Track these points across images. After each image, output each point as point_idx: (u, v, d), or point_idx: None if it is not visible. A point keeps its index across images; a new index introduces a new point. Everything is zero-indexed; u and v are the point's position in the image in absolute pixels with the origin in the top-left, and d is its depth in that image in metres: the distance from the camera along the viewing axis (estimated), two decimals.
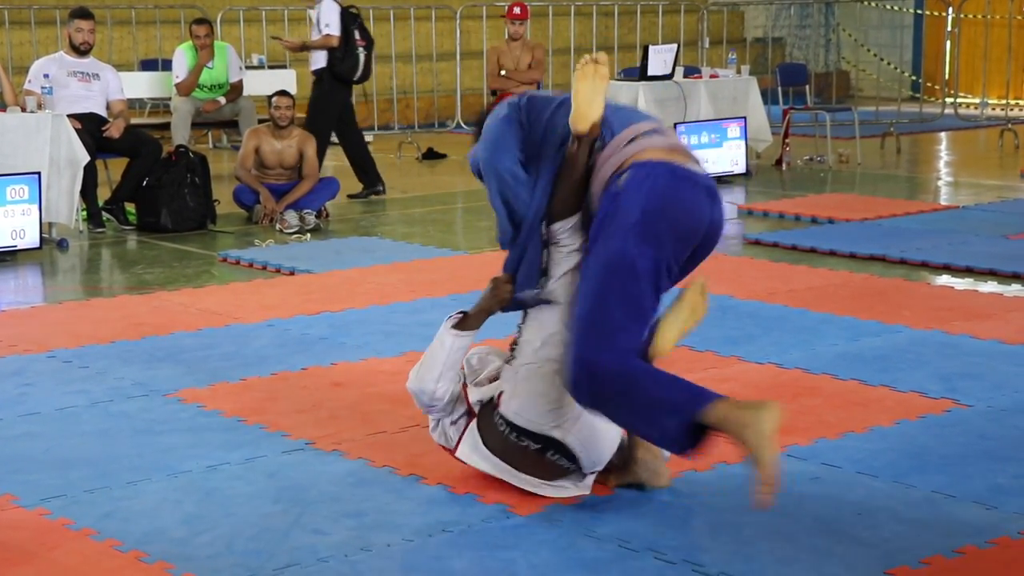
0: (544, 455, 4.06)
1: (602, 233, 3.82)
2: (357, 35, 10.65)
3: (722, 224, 4.03)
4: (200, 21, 11.43)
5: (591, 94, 3.92)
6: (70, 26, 9.74)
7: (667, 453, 4.10)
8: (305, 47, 10.71)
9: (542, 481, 4.10)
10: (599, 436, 4.06)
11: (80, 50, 9.64)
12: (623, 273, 3.78)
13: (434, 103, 15.87)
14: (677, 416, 3.71)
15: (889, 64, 19.03)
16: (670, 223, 3.82)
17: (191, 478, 4.38)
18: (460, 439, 4.20)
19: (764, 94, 12.74)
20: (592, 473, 4.12)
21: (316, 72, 10.53)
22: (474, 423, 4.18)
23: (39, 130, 8.71)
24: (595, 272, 3.82)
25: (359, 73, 10.63)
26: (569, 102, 3.99)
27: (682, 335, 4.04)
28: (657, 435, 3.83)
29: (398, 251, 8.43)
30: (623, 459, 4.15)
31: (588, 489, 4.12)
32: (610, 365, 3.74)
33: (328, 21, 10.48)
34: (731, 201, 10.47)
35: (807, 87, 14.14)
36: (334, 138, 10.73)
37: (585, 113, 3.92)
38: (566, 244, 4.02)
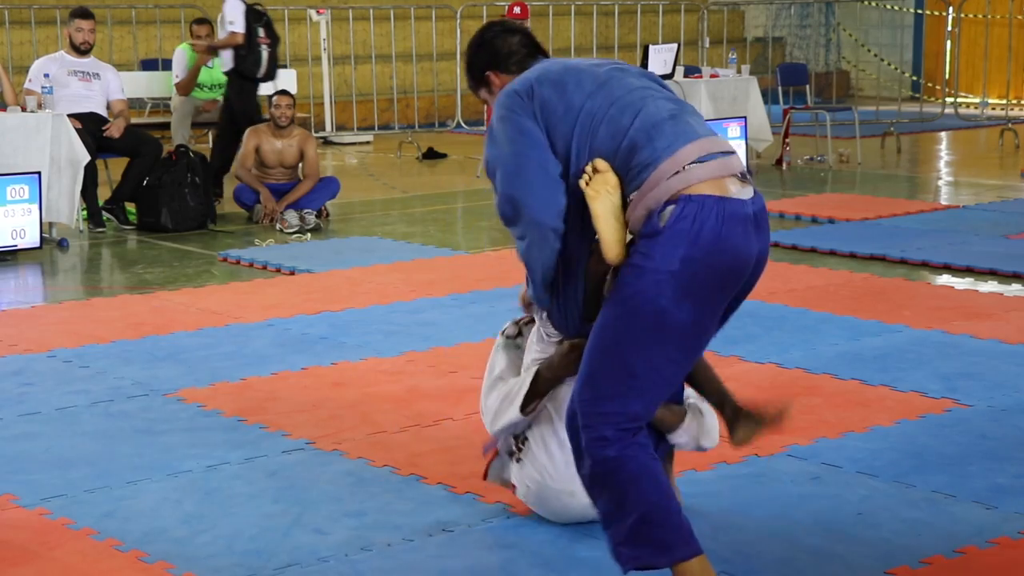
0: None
1: (631, 275, 3.28)
2: (262, 33, 10.64)
3: (765, 256, 3.40)
4: (200, 21, 11.42)
5: (611, 216, 3.33)
6: (70, 26, 9.74)
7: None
8: (212, 48, 10.65)
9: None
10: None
11: (80, 50, 9.64)
12: (651, 328, 3.26)
13: (434, 103, 15.87)
14: (648, 548, 3.30)
15: (889, 64, 19.03)
16: (716, 273, 3.27)
17: (191, 478, 4.38)
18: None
19: (764, 94, 12.74)
20: None
21: (226, 73, 10.48)
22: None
23: (39, 130, 8.71)
24: (621, 322, 3.29)
25: (262, 71, 10.58)
26: (593, 75, 3.50)
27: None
28: (613, 532, 3.34)
29: (398, 251, 8.43)
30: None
31: None
32: (597, 453, 3.29)
33: (232, 19, 10.43)
34: None
35: (807, 87, 14.13)
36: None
37: (613, 241, 3.34)
38: None
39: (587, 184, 3.36)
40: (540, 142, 3.46)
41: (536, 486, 3.90)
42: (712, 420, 3.91)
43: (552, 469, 3.84)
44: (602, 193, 3.35)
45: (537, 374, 3.82)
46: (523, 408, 3.81)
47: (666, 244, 3.24)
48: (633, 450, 3.27)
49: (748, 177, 3.42)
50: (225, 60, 10.44)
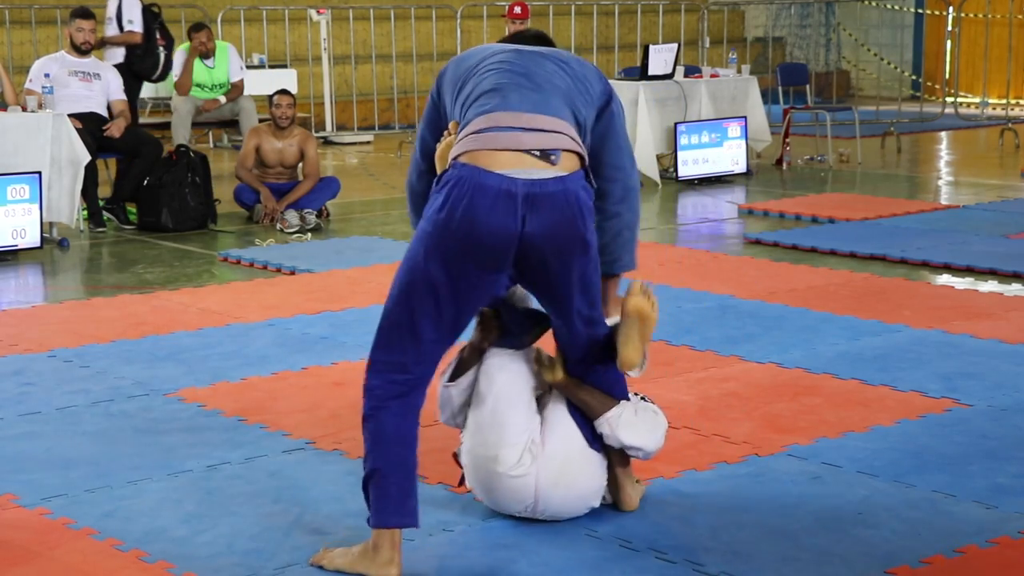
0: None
1: (416, 230, 3.64)
2: (157, 34, 10.66)
3: (547, 236, 3.53)
4: (198, 27, 11.42)
5: (641, 341, 3.77)
6: (71, 26, 9.74)
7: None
8: (105, 43, 10.59)
9: None
10: (572, 503, 3.93)
11: (81, 50, 9.64)
12: (403, 290, 3.60)
13: None
14: (366, 493, 3.64)
15: (889, 63, 19.04)
16: (458, 239, 3.49)
17: (192, 477, 4.38)
18: None
19: (764, 94, 12.74)
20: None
21: (117, 66, 10.42)
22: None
23: (40, 130, 8.71)
24: (397, 273, 3.64)
25: (158, 72, 10.60)
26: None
27: (644, 342, 3.81)
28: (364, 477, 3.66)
29: (399, 250, 8.38)
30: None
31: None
32: (367, 400, 3.65)
33: (132, 18, 10.43)
34: (731, 200, 10.49)
35: (807, 87, 14.13)
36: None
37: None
38: None
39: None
40: (426, 116, 3.91)
41: (470, 461, 3.93)
42: (647, 420, 3.95)
43: (479, 436, 3.89)
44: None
45: (464, 346, 3.98)
46: (450, 377, 3.97)
47: (430, 206, 3.56)
48: (388, 409, 3.60)
49: (552, 157, 3.54)
50: (112, 56, 10.39)
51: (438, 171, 3.74)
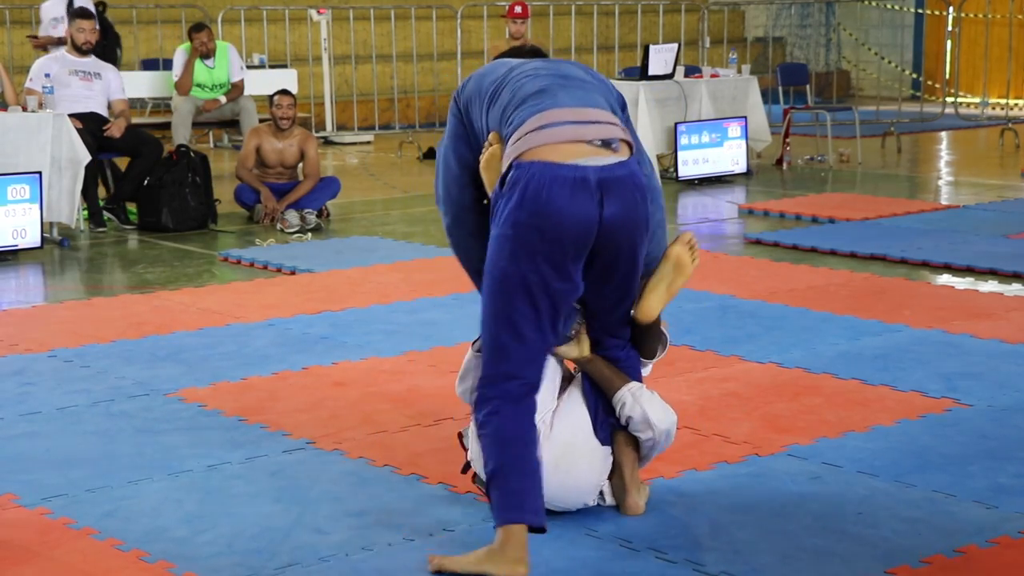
0: None
1: (490, 242, 3.63)
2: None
3: (622, 220, 3.58)
4: (199, 27, 11.42)
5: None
6: (71, 26, 9.74)
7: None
8: (37, 44, 10.57)
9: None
10: (567, 493, 3.95)
11: (82, 50, 9.65)
12: (500, 301, 3.59)
13: (435, 103, 15.88)
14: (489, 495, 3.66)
15: (890, 63, 19.04)
16: (543, 233, 3.51)
17: (192, 477, 4.38)
18: None
19: (765, 94, 12.74)
20: (607, 498, 4.06)
21: None
22: None
23: (40, 129, 8.72)
24: (485, 289, 3.65)
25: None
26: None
27: (670, 295, 3.89)
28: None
29: (399, 250, 8.43)
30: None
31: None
32: (481, 408, 3.66)
33: (57, 15, 10.42)
34: (732, 200, 10.49)
35: (808, 86, 14.13)
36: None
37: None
38: None
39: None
40: (454, 132, 3.90)
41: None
42: (663, 402, 4.00)
43: None
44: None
45: None
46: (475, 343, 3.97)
47: (501, 210, 3.56)
48: (503, 414, 3.60)
49: (613, 145, 3.61)
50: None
51: (486, 180, 3.74)
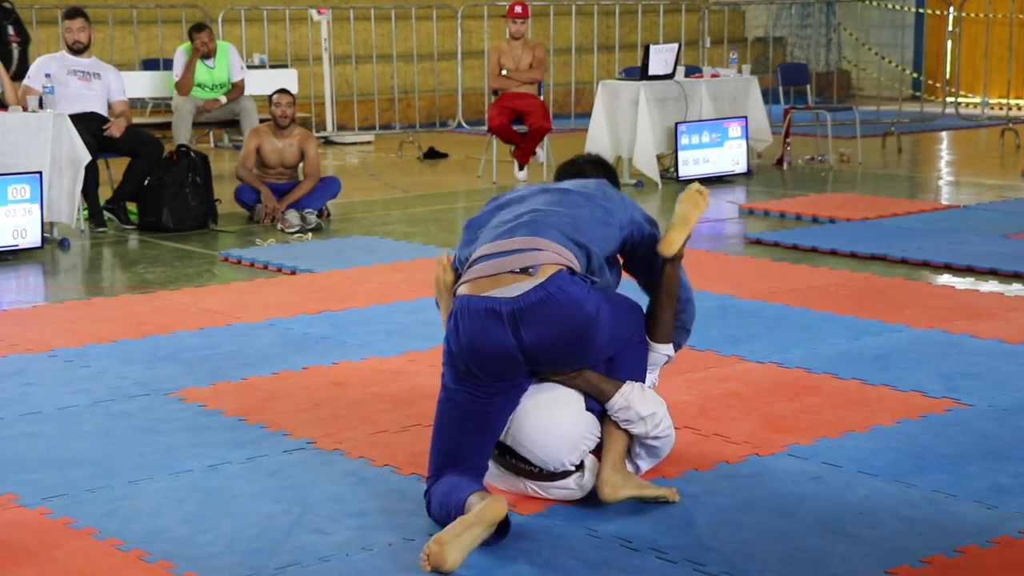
0: (506, 458, 4.13)
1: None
2: (12, 31, 10.60)
3: (548, 342, 3.87)
4: (199, 27, 11.42)
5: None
6: (62, 27, 9.77)
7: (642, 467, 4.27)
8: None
9: (541, 483, 4.11)
10: (542, 437, 4.07)
11: (74, 50, 9.65)
12: (446, 414, 3.98)
13: (435, 102, 15.88)
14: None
15: (890, 63, 19.04)
16: (468, 359, 3.89)
17: (192, 477, 4.38)
18: None
19: (765, 93, 12.74)
20: (586, 474, 4.11)
21: None
22: None
23: (40, 129, 8.72)
24: (439, 398, 4.03)
25: (12, 69, 10.55)
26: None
27: (688, 229, 4.22)
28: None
29: (399, 250, 8.43)
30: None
31: (586, 490, 4.12)
32: (429, 484, 4.00)
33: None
34: (732, 200, 10.49)
35: (808, 86, 14.14)
36: None
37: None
38: None
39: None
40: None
41: None
42: (655, 396, 4.16)
43: None
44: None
45: None
46: None
47: (446, 336, 3.97)
48: (437, 485, 3.94)
49: (531, 270, 3.90)
50: None
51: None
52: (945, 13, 16.88)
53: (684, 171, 11.39)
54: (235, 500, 4.18)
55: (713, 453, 4.56)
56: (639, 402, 4.08)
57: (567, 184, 4.32)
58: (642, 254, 4.29)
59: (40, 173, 8.50)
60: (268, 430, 4.85)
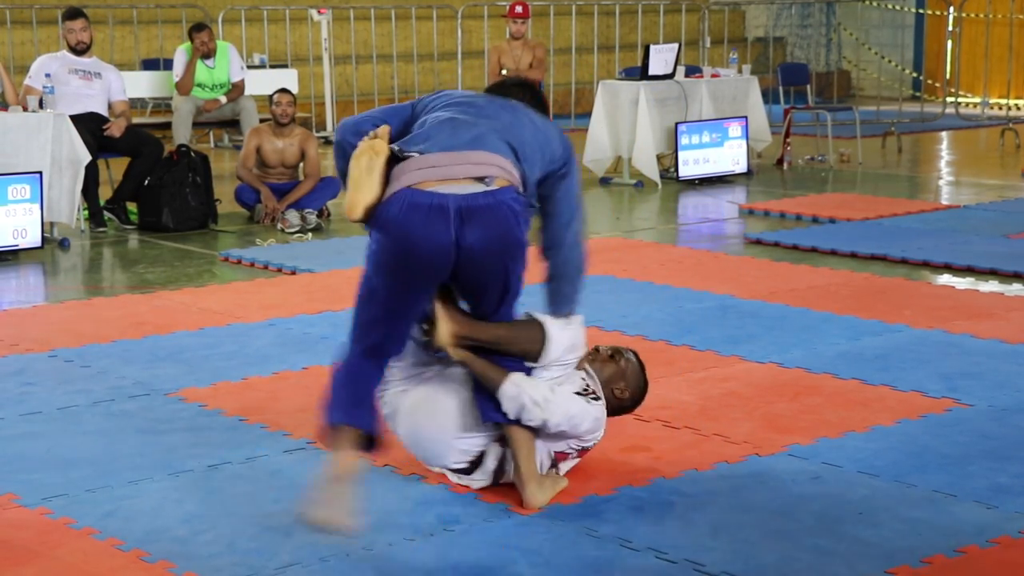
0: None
1: (367, 245, 4.02)
2: None
3: (485, 245, 3.85)
4: (199, 27, 11.42)
5: (360, 174, 3.91)
6: (63, 28, 9.78)
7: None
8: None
9: (456, 476, 4.23)
10: (416, 441, 4.19)
11: (77, 50, 9.65)
12: (364, 297, 3.97)
13: None
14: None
15: (890, 63, 19.04)
16: (396, 254, 3.86)
17: (192, 477, 4.38)
18: None
19: (765, 94, 12.74)
20: (488, 461, 4.17)
21: None
22: None
23: (41, 129, 8.71)
24: (360, 282, 4.01)
25: None
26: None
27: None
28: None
29: None
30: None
31: (486, 480, 4.17)
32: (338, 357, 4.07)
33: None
34: (732, 200, 10.49)
35: (808, 87, 14.14)
36: None
37: (352, 200, 3.93)
38: None
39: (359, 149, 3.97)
40: (395, 109, 4.22)
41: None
42: (548, 386, 4.09)
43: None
44: (363, 152, 3.92)
45: None
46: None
47: (371, 227, 3.92)
48: (354, 360, 3.99)
49: (485, 180, 3.87)
50: None
51: (354, 166, 3.97)
52: (945, 13, 16.88)
53: (684, 171, 11.39)
54: (235, 500, 4.18)
55: (713, 453, 4.56)
56: (531, 387, 4.03)
57: (516, 103, 4.21)
58: (549, 199, 4.16)
59: (40, 173, 8.49)
60: (268, 430, 4.85)
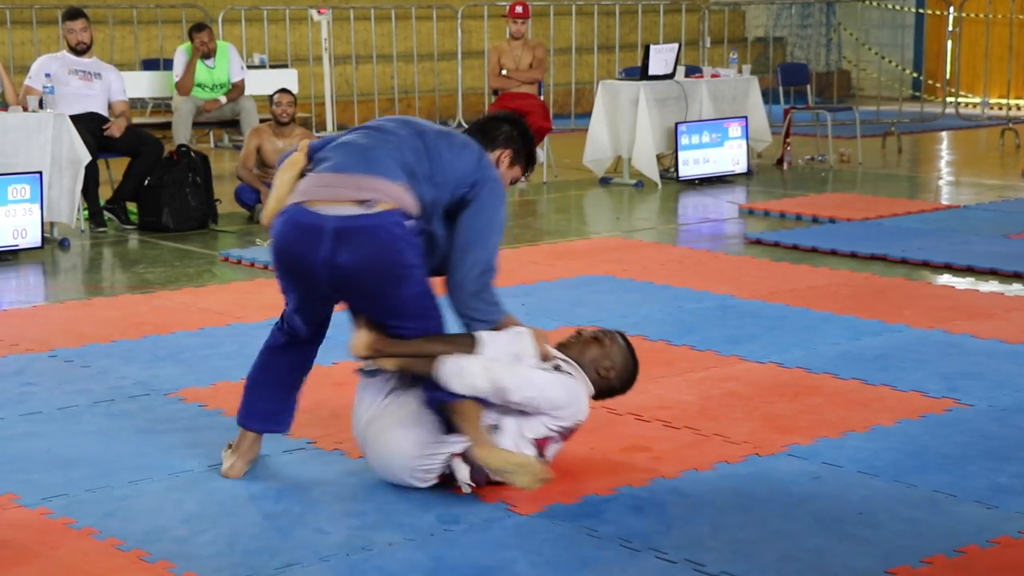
0: None
1: None
2: None
3: (358, 267, 4.01)
4: (200, 27, 11.41)
5: (278, 188, 4.22)
6: (63, 28, 9.77)
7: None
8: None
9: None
10: (378, 463, 4.22)
11: (77, 51, 9.65)
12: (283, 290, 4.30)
13: (435, 102, 15.87)
14: None
15: (890, 63, 19.03)
16: (281, 266, 4.17)
17: (192, 477, 4.38)
18: None
19: (765, 94, 12.74)
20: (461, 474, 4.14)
21: None
22: None
23: (41, 129, 8.72)
24: None
25: None
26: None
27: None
28: None
29: None
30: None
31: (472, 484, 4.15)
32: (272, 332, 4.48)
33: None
34: (732, 200, 10.49)
35: (808, 87, 14.14)
36: None
37: (267, 208, 4.27)
38: None
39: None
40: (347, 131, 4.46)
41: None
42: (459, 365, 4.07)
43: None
44: (286, 166, 4.24)
45: None
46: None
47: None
48: (276, 347, 4.43)
49: (367, 204, 4.01)
50: None
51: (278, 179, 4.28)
52: (945, 13, 16.88)
53: (684, 171, 11.40)
54: (235, 500, 4.18)
55: (713, 453, 4.56)
56: (470, 358, 4.03)
57: (440, 129, 4.33)
58: (456, 223, 4.21)
59: (40, 173, 8.50)
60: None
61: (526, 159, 4.51)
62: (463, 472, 4.09)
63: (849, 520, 3.98)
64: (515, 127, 4.49)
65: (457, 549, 3.80)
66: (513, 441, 4.10)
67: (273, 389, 4.41)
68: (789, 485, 4.28)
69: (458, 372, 4.01)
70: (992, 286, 7.25)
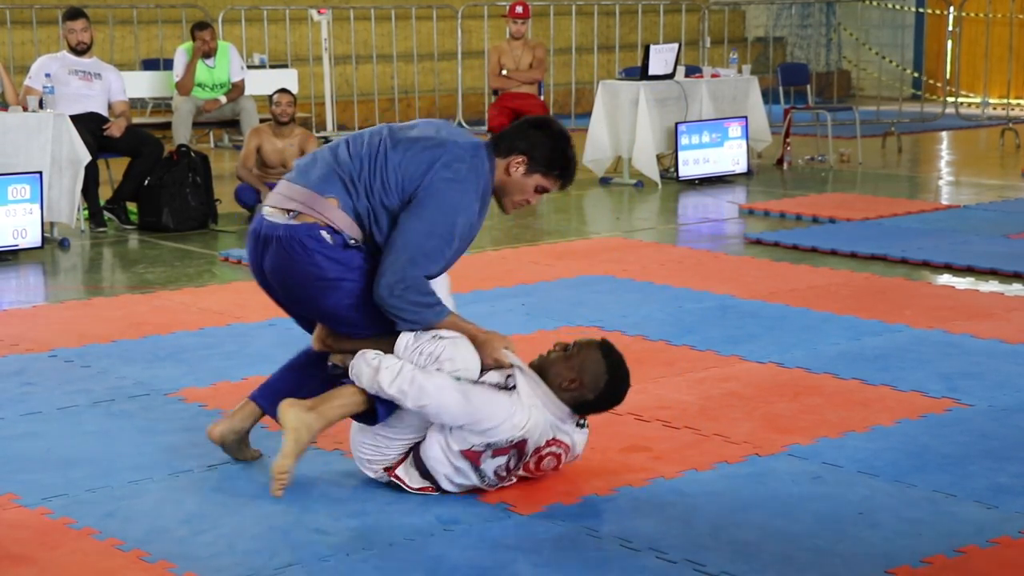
0: None
1: None
2: None
3: (273, 272, 4.21)
4: (202, 26, 11.41)
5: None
6: (63, 28, 9.77)
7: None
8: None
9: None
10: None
11: (78, 51, 9.65)
12: None
13: (435, 102, 15.88)
14: None
15: (890, 63, 19.03)
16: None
17: (192, 477, 4.38)
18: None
19: (765, 94, 12.74)
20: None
21: None
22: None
23: (41, 129, 8.71)
24: None
25: None
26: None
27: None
28: None
29: None
30: None
31: (462, 487, 4.15)
32: None
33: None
34: (732, 200, 10.49)
35: (808, 86, 14.14)
36: None
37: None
38: None
39: None
40: None
41: None
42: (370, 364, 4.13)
43: None
44: None
45: None
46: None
47: None
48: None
49: (291, 214, 4.17)
50: None
51: None
52: (945, 13, 16.88)
53: (684, 171, 11.39)
54: (235, 500, 4.18)
55: (713, 453, 4.56)
56: (362, 362, 4.11)
57: (411, 136, 4.31)
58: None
59: (40, 173, 8.49)
60: (268, 430, 4.84)
61: (547, 167, 4.33)
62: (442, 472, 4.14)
63: (849, 520, 3.98)
64: (544, 133, 4.38)
65: (457, 549, 3.80)
66: (441, 450, 4.09)
67: (287, 371, 4.52)
68: (789, 485, 4.28)
69: (356, 373, 4.12)
70: (992, 286, 7.25)
